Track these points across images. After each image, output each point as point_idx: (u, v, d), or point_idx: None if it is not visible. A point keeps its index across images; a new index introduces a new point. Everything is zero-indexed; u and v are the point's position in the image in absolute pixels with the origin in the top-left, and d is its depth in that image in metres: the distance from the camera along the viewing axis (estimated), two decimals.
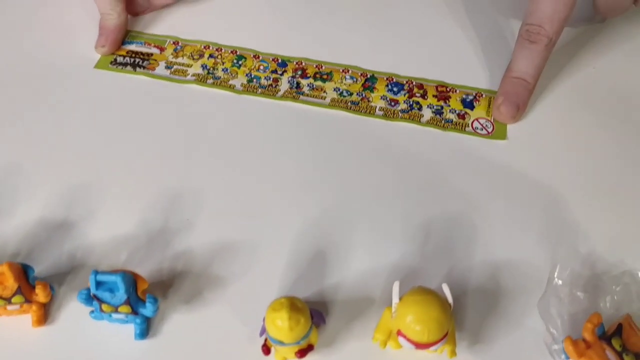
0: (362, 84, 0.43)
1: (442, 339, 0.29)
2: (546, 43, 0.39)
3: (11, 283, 0.30)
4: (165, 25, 0.48)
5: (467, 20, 0.47)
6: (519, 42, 0.41)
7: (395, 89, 0.43)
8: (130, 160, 0.39)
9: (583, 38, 0.46)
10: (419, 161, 0.39)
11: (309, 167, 0.39)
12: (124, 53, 0.45)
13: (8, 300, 0.31)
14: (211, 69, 0.44)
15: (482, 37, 0.46)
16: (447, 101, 0.42)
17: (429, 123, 0.41)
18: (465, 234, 0.36)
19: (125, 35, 0.46)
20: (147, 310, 0.31)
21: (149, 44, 0.46)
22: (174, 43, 0.46)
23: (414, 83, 0.43)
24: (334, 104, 0.42)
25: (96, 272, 0.29)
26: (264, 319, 0.29)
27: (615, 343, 0.29)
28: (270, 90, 0.43)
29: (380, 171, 0.38)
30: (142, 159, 0.39)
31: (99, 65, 0.44)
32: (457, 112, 0.41)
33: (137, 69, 0.44)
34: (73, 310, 0.33)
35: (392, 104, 0.42)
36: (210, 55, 0.45)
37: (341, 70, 0.44)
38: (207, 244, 0.35)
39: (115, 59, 0.45)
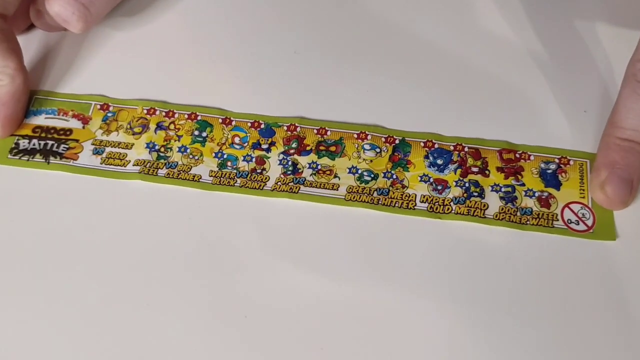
0: (390, 157, 0.30)
1: None
2: None
3: None
4: (87, 75, 0.33)
5: (538, 46, 0.33)
6: (630, 87, 0.27)
7: (439, 162, 0.30)
8: (44, 312, 0.26)
9: None
10: (489, 283, 0.26)
11: (322, 301, 0.26)
12: (28, 132, 0.31)
13: None
14: (162, 149, 0.30)
15: (562, 70, 0.32)
16: (520, 176, 0.29)
17: (497, 219, 0.28)
18: None
19: (29, 102, 0.32)
20: None
21: (65, 113, 0.32)
22: (102, 108, 0.32)
23: (467, 149, 0.30)
24: (352, 197, 0.29)
25: None
26: None
27: None
28: (254, 180, 0.29)
29: (429, 299, 0.26)
30: (68, 307, 0.26)
31: None
32: (536, 194, 0.29)
33: (51, 158, 0.30)
34: None
35: (439, 188, 0.29)
36: (159, 125, 0.31)
37: (356, 136, 0.30)
38: None
39: (17, 145, 0.30)
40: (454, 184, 0.29)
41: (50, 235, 0.28)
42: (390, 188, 0.29)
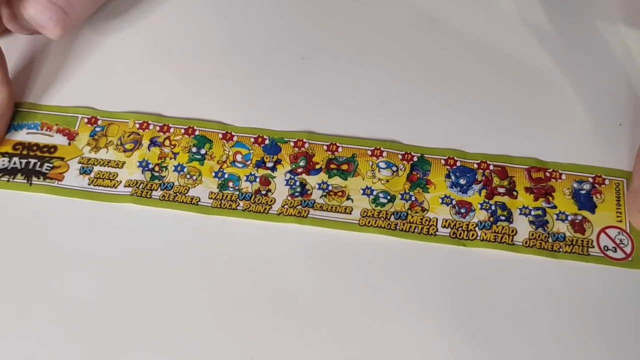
0: (408, 176, 0.28)
1: None
2: None
3: None
4: (74, 86, 0.30)
5: (568, 58, 0.31)
6: None
7: (462, 181, 0.28)
8: (38, 340, 0.25)
9: None
10: (519, 316, 0.25)
11: (334, 336, 0.24)
12: (9, 149, 0.29)
13: None
14: (156, 167, 0.28)
15: (594, 83, 0.30)
16: (551, 198, 0.27)
17: (527, 245, 0.26)
18: None
19: (12, 116, 0.30)
20: None
21: (50, 127, 0.29)
22: (89, 121, 0.29)
23: (492, 167, 0.28)
24: (366, 222, 0.26)
25: None
26: None
27: None
28: (258, 203, 0.27)
29: (454, 335, 0.24)
30: (56, 336, 0.25)
31: None
32: (569, 217, 0.27)
33: (34, 179, 0.28)
34: None
35: (462, 211, 0.27)
36: (153, 141, 0.29)
37: (370, 153, 0.28)
38: None
39: None
40: (479, 206, 0.27)
41: (33, 262, 0.26)
42: (409, 211, 0.27)
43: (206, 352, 0.24)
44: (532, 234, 0.26)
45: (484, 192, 0.27)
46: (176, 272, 0.26)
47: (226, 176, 0.28)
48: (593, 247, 0.26)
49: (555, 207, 0.27)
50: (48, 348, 0.24)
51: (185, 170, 0.28)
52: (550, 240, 0.26)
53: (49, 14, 0.28)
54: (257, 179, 0.28)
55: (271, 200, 0.27)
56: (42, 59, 0.31)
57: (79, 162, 0.28)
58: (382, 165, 0.28)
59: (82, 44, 0.32)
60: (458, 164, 0.28)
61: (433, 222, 0.26)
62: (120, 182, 0.28)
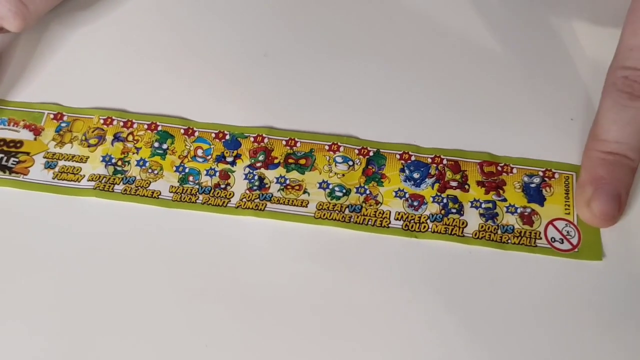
0: (364, 170, 0.29)
1: None
2: None
3: None
4: (40, 83, 0.32)
5: (520, 54, 0.32)
6: (611, 97, 0.26)
7: (416, 175, 0.29)
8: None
9: None
10: (467, 307, 0.25)
11: (289, 328, 0.25)
12: None
13: None
14: (119, 162, 0.29)
15: (544, 78, 0.31)
16: (502, 191, 0.28)
17: (476, 237, 0.27)
18: None
19: None
20: None
21: (16, 123, 0.30)
22: (55, 117, 0.30)
23: (445, 161, 0.29)
24: (322, 215, 0.27)
25: None
26: None
27: None
28: (217, 196, 0.28)
29: (404, 326, 0.25)
30: (21, 332, 0.25)
31: None
32: (518, 210, 0.28)
33: (0, 173, 0.30)
34: None
35: (415, 204, 0.28)
36: (116, 137, 0.30)
37: (327, 148, 0.29)
38: None
39: None
40: (431, 199, 0.28)
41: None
42: (363, 204, 0.28)
43: (164, 340, 0.25)
44: (482, 226, 0.27)
45: (436, 185, 0.28)
46: (137, 264, 0.27)
47: (187, 170, 0.29)
48: (540, 238, 0.27)
49: (505, 200, 0.28)
50: (10, 339, 0.25)
51: (147, 164, 0.29)
52: (499, 232, 0.27)
53: (8, 6, 0.29)
54: (217, 173, 0.29)
55: (230, 194, 0.28)
56: (8, 56, 0.32)
57: (44, 157, 0.29)
58: (339, 159, 0.29)
59: (48, 42, 0.33)
60: (413, 158, 0.29)
61: (386, 214, 0.27)
62: (84, 176, 0.29)
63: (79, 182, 0.29)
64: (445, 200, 0.28)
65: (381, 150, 0.29)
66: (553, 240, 0.27)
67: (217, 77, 0.31)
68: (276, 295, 0.26)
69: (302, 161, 0.29)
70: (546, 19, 0.33)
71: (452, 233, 0.27)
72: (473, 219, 0.27)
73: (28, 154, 0.29)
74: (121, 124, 0.30)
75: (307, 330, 0.25)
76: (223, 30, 0.33)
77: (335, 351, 0.25)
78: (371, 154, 0.29)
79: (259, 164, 0.29)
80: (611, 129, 0.27)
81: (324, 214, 0.27)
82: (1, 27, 0.30)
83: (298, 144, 0.29)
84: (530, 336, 0.25)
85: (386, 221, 0.27)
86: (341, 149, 0.29)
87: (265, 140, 0.30)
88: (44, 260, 0.27)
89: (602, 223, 0.27)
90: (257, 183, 0.28)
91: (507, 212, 0.27)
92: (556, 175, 0.28)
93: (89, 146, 0.30)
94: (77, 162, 0.29)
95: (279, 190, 0.28)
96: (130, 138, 0.30)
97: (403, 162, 0.29)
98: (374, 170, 0.29)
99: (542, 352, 0.25)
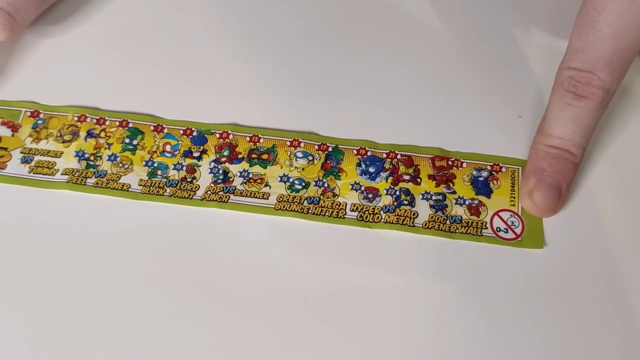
0: (322, 165, 0.31)
1: None
2: (601, 98, 0.27)
3: None
4: (17, 81, 0.33)
5: (471, 52, 0.34)
6: (557, 95, 0.28)
7: (371, 169, 0.31)
8: None
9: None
10: (416, 292, 0.27)
11: (250, 315, 0.27)
12: None
13: None
14: (91, 157, 0.31)
15: (494, 76, 0.33)
16: (451, 184, 0.30)
17: (427, 227, 0.29)
18: None
19: None
20: None
21: None
22: (32, 115, 0.32)
23: (399, 156, 0.31)
24: (282, 207, 0.29)
25: None
26: None
27: None
28: (183, 190, 0.30)
29: (356, 311, 0.27)
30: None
31: None
32: (467, 202, 0.30)
33: None
34: None
35: (369, 196, 0.30)
36: (89, 133, 0.32)
37: (289, 144, 0.31)
38: None
39: None
40: (385, 192, 0.30)
41: None
42: (321, 197, 0.30)
43: (131, 323, 0.27)
44: (432, 217, 0.29)
45: (390, 179, 0.30)
46: (107, 253, 0.29)
47: (155, 165, 0.31)
48: (486, 228, 0.29)
49: (454, 192, 0.30)
50: None
51: (118, 159, 0.31)
52: (448, 222, 0.29)
53: None
54: (184, 168, 0.31)
55: (196, 187, 0.30)
56: None
57: (21, 152, 0.31)
58: (299, 154, 0.31)
59: (25, 42, 0.35)
60: (369, 153, 0.31)
61: (342, 206, 0.29)
62: (58, 170, 0.31)
63: (53, 175, 0.30)
64: (398, 193, 0.30)
65: (339, 145, 0.31)
66: (498, 230, 0.29)
67: (186, 76, 0.33)
68: (237, 280, 0.28)
69: (265, 156, 0.31)
70: (500, 20, 0.35)
71: (404, 223, 0.29)
72: (423, 210, 0.29)
73: (6, 149, 0.31)
74: (94, 121, 0.32)
75: (264, 314, 0.27)
76: (192, 32, 0.35)
77: (289, 335, 0.27)
78: (330, 149, 0.31)
79: (223, 159, 0.31)
80: (556, 125, 0.29)
81: (284, 206, 0.29)
82: None
83: (261, 140, 0.31)
84: (474, 320, 0.27)
85: (342, 212, 0.29)
86: (302, 144, 0.31)
87: (230, 136, 0.32)
88: (18, 250, 0.29)
89: (542, 213, 0.29)
90: (221, 177, 0.30)
91: (456, 203, 0.30)
92: (503, 170, 0.30)
93: (63, 142, 0.31)
94: (52, 157, 0.31)
95: (242, 184, 0.30)
96: (102, 134, 0.32)
97: (360, 157, 0.31)
98: (332, 164, 0.31)
99: (485, 335, 0.27)
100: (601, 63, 0.27)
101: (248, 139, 0.31)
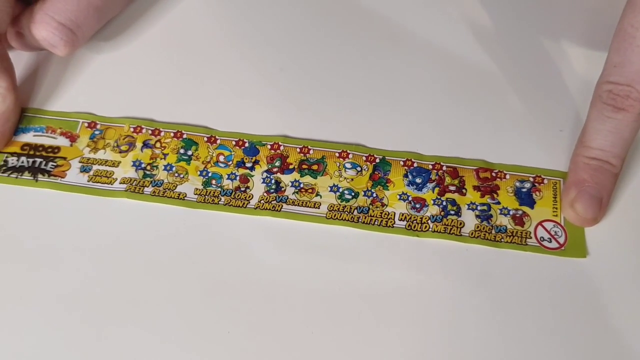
0: (370, 176, 0.32)
1: None
2: (639, 111, 0.29)
3: None
4: (75, 94, 0.35)
5: (512, 68, 0.36)
6: (596, 108, 0.30)
7: (418, 180, 0.32)
8: (43, 325, 0.29)
9: None
10: (463, 299, 0.29)
11: (304, 320, 0.29)
12: (17, 150, 0.33)
13: None
14: (148, 167, 0.33)
15: (535, 92, 0.35)
16: (496, 195, 0.32)
17: (473, 236, 0.30)
18: None
19: (18, 119, 0.34)
20: None
21: (54, 130, 0.34)
22: (89, 126, 0.34)
23: (445, 168, 0.32)
24: (333, 215, 0.31)
25: None
26: None
27: None
28: (238, 198, 0.32)
29: (406, 317, 0.29)
30: (60, 322, 0.29)
31: None
32: (511, 212, 0.31)
33: (39, 176, 0.32)
34: None
35: (417, 206, 0.31)
36: (145, 144, 0.34)
37: (338, 155, 0.33)
38: None
39: (6, 162, 0.33)
40: (432, 202, 0.31)
41: (38, 251, 0.31)
42: (370, 206, 0.31)
43: (188, 328, 0.29)
44: (478, 227, 0.31)
45: (436, 189, 0.32)
46: (164, 259, 0.30)
47: (210, 175, 0.33)
48: (531, 237, 0.30)
49: (499, 203, 0.31)
50: (53, 326, 0.29)
51: (174, 169, 0.33)
52: (493, 232, 0.31)
53: (60, 35, 0.33)
54: (237, 177, 0.32)
55: (249, 196, 0.32)
56: (46, 69, 0.36)
57: (80, 162, 0.33)
58: (348, 165, 0.33)
59: (82, 55, 0.37)
60: (415, 165, 0.32)
61: (391, 215, 0.31)
62: (116, 179, 0.32)
63: (111, 184, 0.32)
64: (444, 203, 0.31)
65: (386, 157, 0.33)
66: (542, 239, 0.30)
67: (238, 90, 0.35)
68: (290, 287, 0.30)
69: (315, 167, 0.33)
70: (540, 37, 0.37)
71: (451, 232, 0.31)
72: (470, 220, 0.31)
73: (65, 158, 0.33)
74: (150, 132, 0.34)
75: (318, 317, 0.29)
76: (243, 47, 0.37)
77: (343, 338, 0.28)
78: (377, 160, 0.33)
79: (275, 169, 0.33)
80: (596, 138, 0.30)
81: (335, 215, 0.31)
82: (43, 50, 0.34)
83: (311, 152, 0.33)
84: (520, 327, 0.29)
85: (391, 221, 0.31)
86: (350, 156, 0.33)
87: (281, 147, 0.33)
88: (79, 255, 0.31)
89: (584, 222, 0.30)
90: (273, 186, 0.32)
91: (500, 214, 0.31)
92: (545, 181, 0.32)
93: (120, 152, 0.33)
94: (109, 166, 0.33)
95: (293, 193, 0.32)
96: (158, 145, 0.33)
97: (406, 168, 0.32)
98: (380, 175, 0.32)
99: (532, 342, 0.28)
100: (639, 77, 0.29)
101: (298, 150, 0.33)
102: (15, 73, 0.33)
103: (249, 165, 0.33)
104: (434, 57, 0.36)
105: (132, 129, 0.34)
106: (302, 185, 0.32)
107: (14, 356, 0.28)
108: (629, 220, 0.31)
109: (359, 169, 0.33)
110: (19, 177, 0.32)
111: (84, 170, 0.33)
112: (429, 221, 0.31)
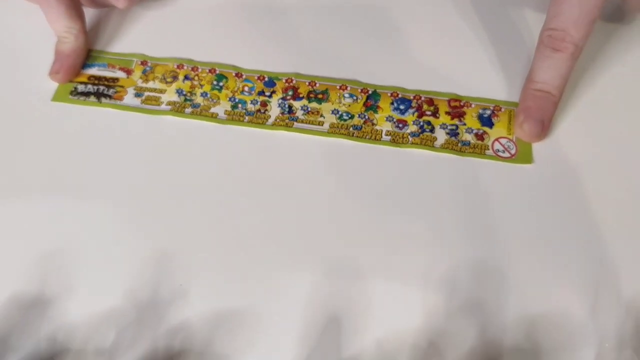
0: (364, 103, 0.41)
1: None
2: (572, 51, 0.38)
3: None
4: (130, 39, 0.45)
5: (479, 23, 0.45)
6: (539, 50, 0.39)
7: (402, 107, 0.41)
8: (105, 216, 0.37)
9: (608, 33, 0.45)
10: (436, 195, 0.38)
11: (310, 211, 0.37)
12: (85, 79, 0.43)
13: None
14: (188, 94, 0.42)
15: (497, 40, 0.44)
16: (463, 118, 0.40)
17: (443, 147, 0.39)
18: (492, 282, 0.35)
19: (86, 57, 0.44)
20: None
21: (113, 66, 0.43)
22: (142, 63, 0.44)
23: (423, 98, 0.41)
24: (333, 131, 0.40)
25: None
26: None
27: None
28: (258, 118, 0.41)
29: (391, 210, 0.37)
30: (119, 214, 0.37)
31: (56, 98, 0.42)
32: (474, 131, 0.40)
33: (102, 99, 0.42)
34: None
35: (400, 125, 0.40)
36: (186, 77, 0.43)
37: (338, 87, 0.42)
38: (205, 315, 0.34)
39: (76, 88, 0.42)
40: (412, 123, 0.40)
41: (100, 159, 0.40)
42: (363, 125, 0.40)
43: (226, 219, 0.37)
44: (447, 140, 0.39)
45: (416, 114, 0.41)
46: (200, 165, 0.39)
47: (237, 100, 0.41)
48: (488, 149, 0.39)
49: (465, 124, 0.40)
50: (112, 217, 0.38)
51: (209, 95, 0.42)
52: (459, 145, 0.39)
53: None
54: (258, 103, 0.41)
55: (267, 117, 0.41)
56: (107, 19, 0.46)
57: (134, 89, 0.42)
58: (347, 95, 0.42)
59: (136, 9, 0.46)
60: (400, 96, 0.41)
61: (379, 132, 0.40)
62: (163, 102, 0.41)
63: (159, 105, 0.41)
64: (421, 123, 0.40)
65: (377, 90, 0.42)
66: (497, 151, 0.39)
67: (259, 36, 0.45)
68: (300, 185, 0.38)
69: (320, 96, 0.42)
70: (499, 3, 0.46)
71: (426, 144, 0.39)
72: (441, 136, 0.40)
73: (122, 87, 0.42)
74: (190, 68, 0.43)
75: (320, 211, 0.37)
76: (266, 5, 0.47)
77: (341, 221, 0.37)
78: (370, 92, 0.42)
79: (288, 97, 0.42)
80: (539, 73, 0.39)
81: (335, 130, 0.40)
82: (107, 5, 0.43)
83: (317, 85, 0.42)
84: (479, 216, 0.37)
85: (379, 136, 0.40)
86: (348, 88, 0.42)
87: (294, 81, 0.42)
88: (134, 160, 0.40)
89: (530, 139, 0.39)
90: (287, 109, 0.41)
91: (466, 132, 0.40)
92: (502, 109, 0.41)
93: (166, 83, 0.42)
94: (158, 93, 0.42)
95: (303, 115, 0.41)
96: (196, 78, 0.43)
97: (393, 98, 0.41)
98: (371, 103, 0.41)
99: (487, 227, 0.36)
100: (572, 24, 0.37)
101: (307, 83, 0.42)
102: (85, 20, 0.43)
103: (267, 94, 0.42)
104: (419, 13, 0.46)
105: (175, 66, 0.43)
106: (309, 109, 0.41)
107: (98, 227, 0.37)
108: (565, 138, 0.40)
109: (355, 97, 0.41)
110: (86, 99, 0.42)
111: (137, 95, 0.42)
112: (409, 136, 0.40)
